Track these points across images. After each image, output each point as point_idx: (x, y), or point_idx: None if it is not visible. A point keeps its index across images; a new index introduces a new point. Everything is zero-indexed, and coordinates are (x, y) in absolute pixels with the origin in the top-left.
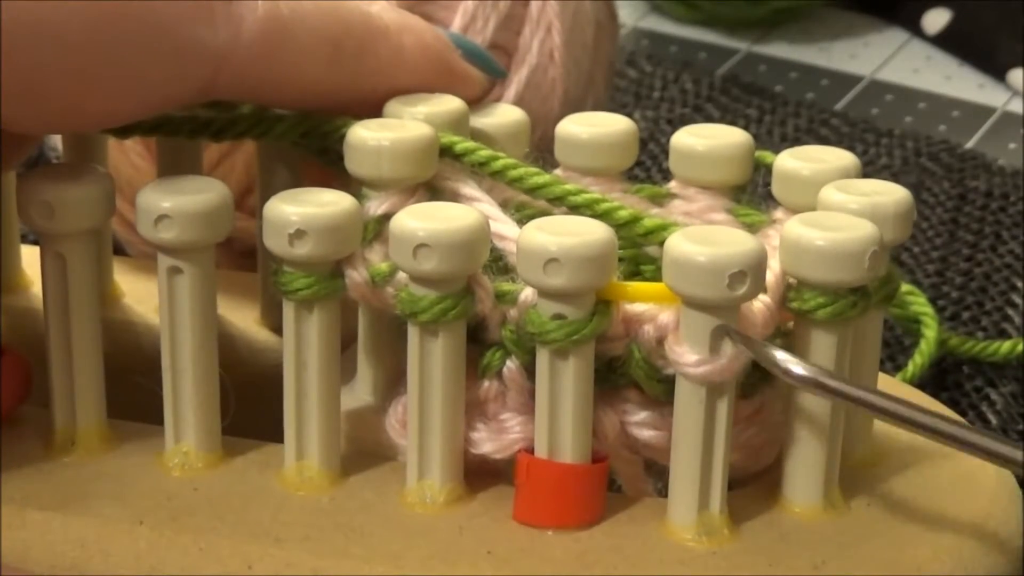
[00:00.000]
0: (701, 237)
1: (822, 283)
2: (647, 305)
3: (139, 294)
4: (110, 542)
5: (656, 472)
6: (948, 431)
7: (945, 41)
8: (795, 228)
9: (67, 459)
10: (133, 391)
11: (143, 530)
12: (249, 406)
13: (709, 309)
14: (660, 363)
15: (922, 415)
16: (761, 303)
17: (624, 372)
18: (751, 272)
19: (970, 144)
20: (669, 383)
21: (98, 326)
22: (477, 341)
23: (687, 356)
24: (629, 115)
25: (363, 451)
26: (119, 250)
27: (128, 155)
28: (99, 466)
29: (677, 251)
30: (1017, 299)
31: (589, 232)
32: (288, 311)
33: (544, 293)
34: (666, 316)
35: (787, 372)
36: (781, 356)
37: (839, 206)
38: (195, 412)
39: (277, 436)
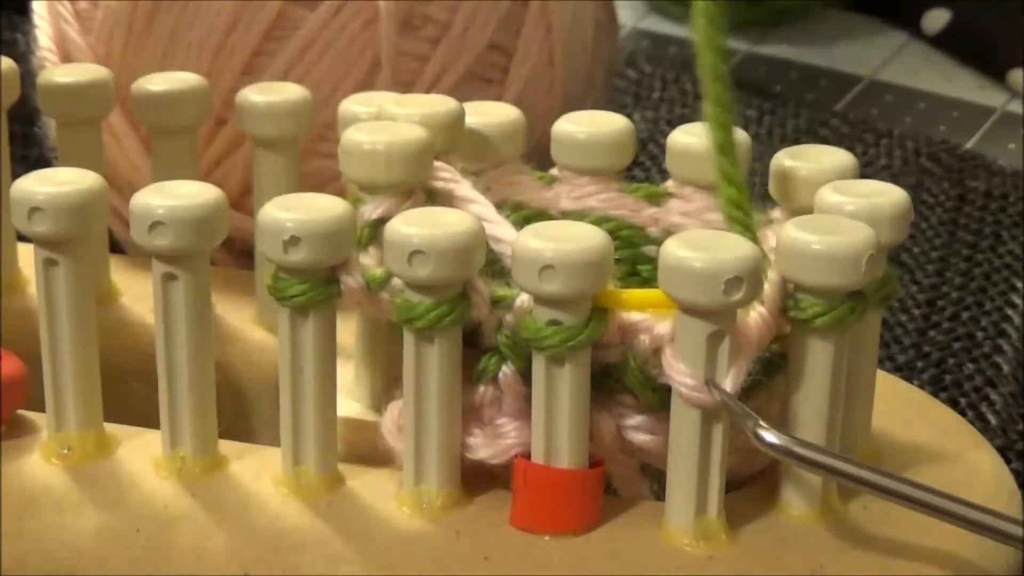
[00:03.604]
0: (697, 242)
1: (818, 287)
2: (644, 314)
3: (136, 293)
4: (107, 549)
5: (652, 473)
6: (934, 503)
7: (945, 41)
8: (791, 232)
9: (64, 464)
10: (131, 390)
11: (140, 537)
12: (245, 406)
13: (705, 315)
14: (655, 372)
15: (903, 486)
16: (758, 315)
17: (619, 379)
18: (747, 278)
19: (970, 144)
20: (664, 392)
21: (93, 331)
22: (472, 346)
23: (685, 379)
24: (629, 116)
25: (359, 456)
26: (117, 248)
27: (127, 155)
28: (96, 471)
29: (673, 256)
30: (1017, 299)
31: (584, 238)
32: (283, 317)
33: (540, 299)
34: (662, 327)
35: (760, 439)
36: (759, 427)
37: (836, 207)
38: (192, 417)
39: (274, 434)
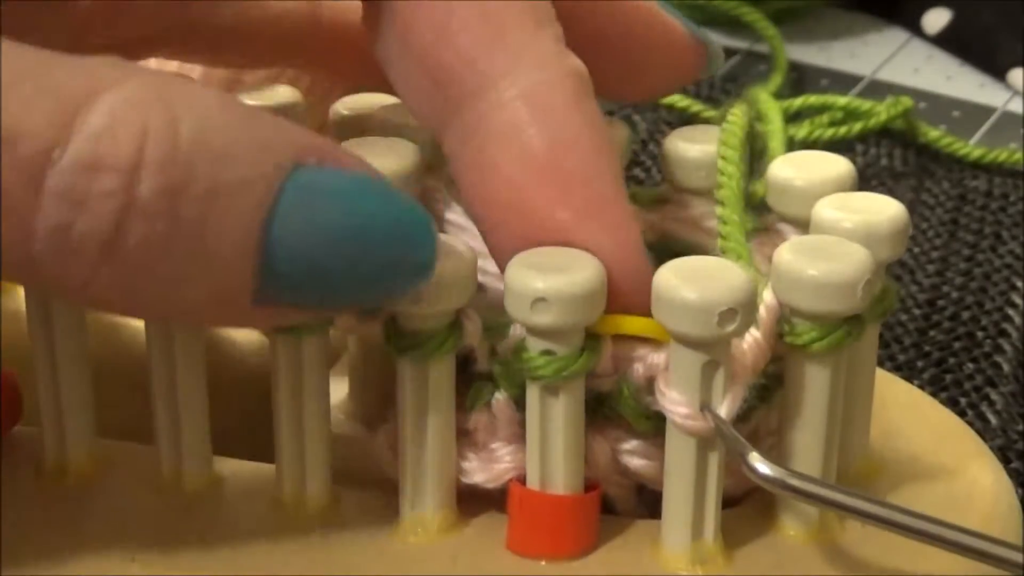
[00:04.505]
0: (690, 273)
1: (814, 313)
2: (637, 345)
3: None
4: (101, 567)
5: (648, 494)
6: (931, 532)
7: (945, 41)
8: (786, 257)
9: (59, 486)
10: (125, 399)
11: (135, 568)
12: (243, 414)
13: (698, 346)
14: (649, 400)
15: (899, 515)
16: (752, 340)
17: (612, 407)
18: (741, 309)
19: (970, 144)
20: (658, 420)
21: (85, 347)
22: (465, 372)
23: (679, 408)
24: (628, 116)
25: (351, 476)
26: None
27: None
28: (91, 493)
29: (666, 288)
30: (1017, 299)
31: (577, 269)
32: (277, 343)
33: (532, 331)
34: (656, 356)
35: (753, 470)
36: (753, 457)
37: (833, 225)
38: (187, 433)
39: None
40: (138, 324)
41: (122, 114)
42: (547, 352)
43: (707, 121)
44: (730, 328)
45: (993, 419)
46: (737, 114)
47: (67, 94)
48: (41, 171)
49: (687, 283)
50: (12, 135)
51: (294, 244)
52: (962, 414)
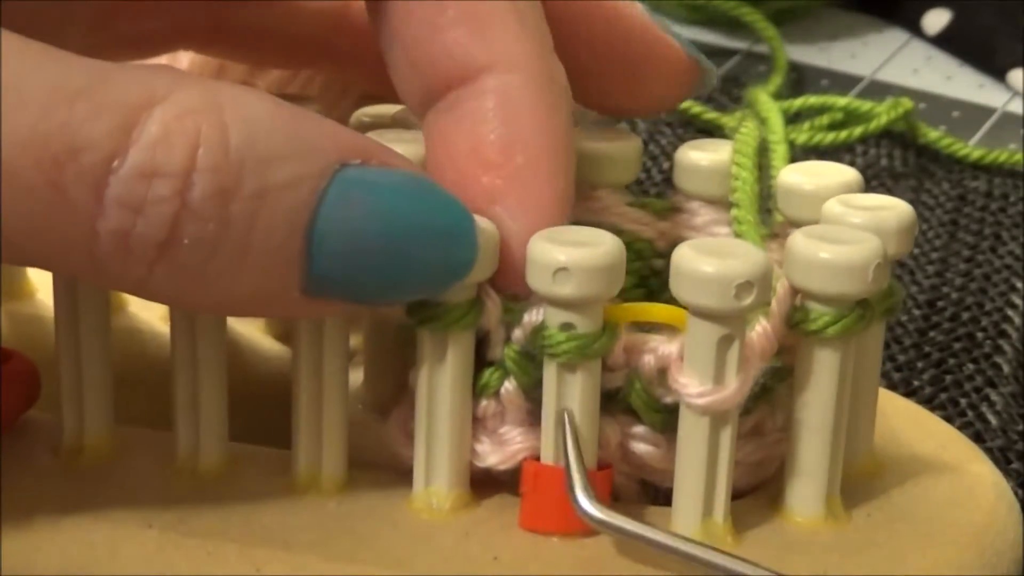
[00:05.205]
0: (708, 248)
1: (826, 295)
2: (649, 337)
3: (144, 301)
4: (119, 544)
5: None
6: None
7: (945, 41)
8: (800, 241)
9: (76, 464)
10: (138, 397)
11: (152, 533)
12: (253, 413)
13: (716, 318)
14: (660, 392)
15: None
16: (763, 326)
17: (622, 400)
18: (758, 282)
19: (970, 144)
20: (668, 412)
21: (107, 332)
22: (476, 360)
23: (691, 387)
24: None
25: (364, 459)
26: None
27: None
28: (108, 471)
29: (685, 261)
30: (1017, 299)
31: (598, 242)
32: (300, 322)
33: (553, 302)
34: (668, 347)
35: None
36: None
37: (842, 220)
38: (205, 418)
39: (281, 443)
40: (153, 327)
41: (176, 124)
42: (567, 326)
43: (706, 122)
44: (747, 301)
45: (993, 420)
46: (750, 125)
47: (125, 105)
48: (103, 179)
49: (706, 257)
50: (76, 146)
51: (338, 242)
52: (962, 415)
